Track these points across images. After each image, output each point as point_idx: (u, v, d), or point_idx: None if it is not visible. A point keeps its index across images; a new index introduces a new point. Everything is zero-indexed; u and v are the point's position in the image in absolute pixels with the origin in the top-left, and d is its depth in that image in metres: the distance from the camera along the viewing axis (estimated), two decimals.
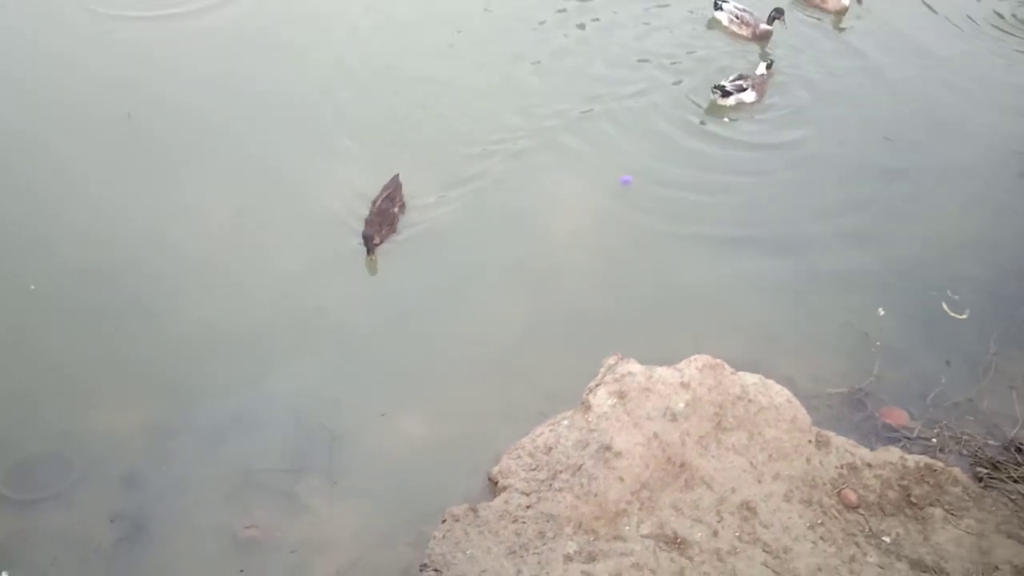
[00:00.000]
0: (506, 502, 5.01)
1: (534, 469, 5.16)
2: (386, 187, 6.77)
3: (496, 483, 5.19)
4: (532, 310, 6.22)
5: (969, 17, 8.83)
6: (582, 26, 8.45)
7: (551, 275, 6.46)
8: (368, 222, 6.51)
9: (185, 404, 5.59)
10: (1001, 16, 8.88)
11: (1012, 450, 5.40)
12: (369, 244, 6.37)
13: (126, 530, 5.07)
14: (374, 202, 6.67)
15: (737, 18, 8.41)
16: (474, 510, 4.99)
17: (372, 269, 6.35)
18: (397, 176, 6.85)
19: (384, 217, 6.55)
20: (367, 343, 5.99)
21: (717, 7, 8.47)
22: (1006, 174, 7.37)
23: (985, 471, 5.30)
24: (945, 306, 6.37)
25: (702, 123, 7.66)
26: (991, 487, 5.20)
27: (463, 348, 5.97)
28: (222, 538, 5.07)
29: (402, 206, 6.74)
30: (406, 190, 6.81)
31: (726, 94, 7.67)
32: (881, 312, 6.32)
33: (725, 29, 8.51)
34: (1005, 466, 5.28)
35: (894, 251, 6.73)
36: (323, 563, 5.00)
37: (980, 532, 4.94)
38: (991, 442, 5.51)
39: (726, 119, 7.70)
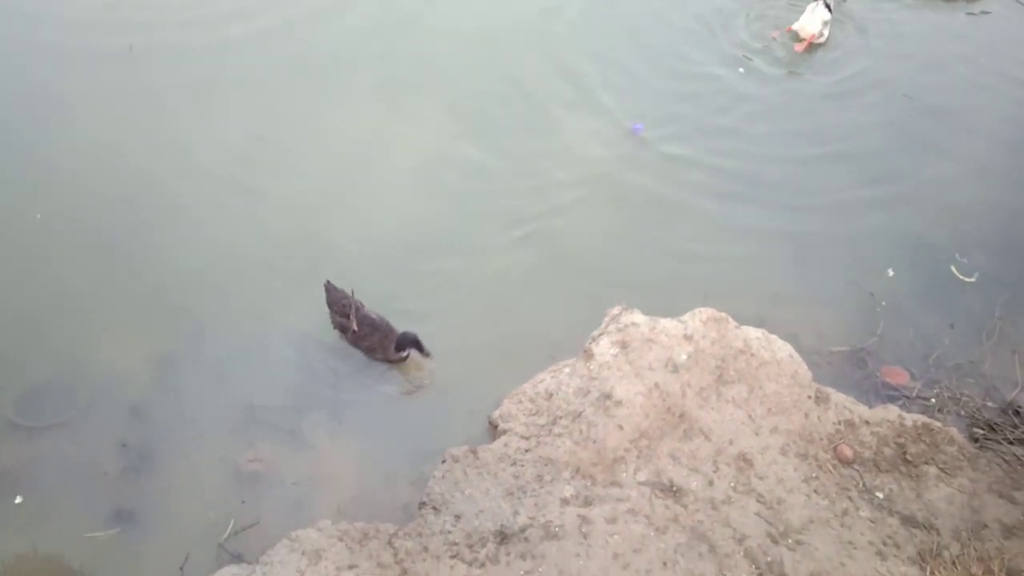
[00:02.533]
0: (506, 445, 5.09)
1: (534, 414, 5.21)
2: (341, 303, 5.54)
3: (496, 427, 5.26)
4: (538, 257, 6.21)
5: None
6: None
7: (558, 224, 6.42)
8: (360, 340, 5.49)
9: (192, 336, 5.64)
10: None
11: (1009, 412, 5.43)
12: (418, 343, 5.40)
13: (132, 459, 5.17)
14: (347, 317, 5.51)
15: None
16: (474, 452, 5.06)
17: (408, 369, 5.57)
18: (325, 284, 5.59)
19: (376, 329, 5.49)
20: (373, 282, 5.99)
21: None
22: None
23: (981, 432, 5.35)
24: (954, 269, 6.35)
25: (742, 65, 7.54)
26: (986, 448, 5.25)
27: (468, 293, 5.98)
28: (225, 470, 5.16)
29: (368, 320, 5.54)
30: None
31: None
32: (891, 273, 6.29)
33: None
34: (1001, 428, 5.32)
35: (907, 212, 6.66)
36: (324, 498, 5.10)
37: (972, 491, 5.00)
38: (989, 404, 5.54)
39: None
